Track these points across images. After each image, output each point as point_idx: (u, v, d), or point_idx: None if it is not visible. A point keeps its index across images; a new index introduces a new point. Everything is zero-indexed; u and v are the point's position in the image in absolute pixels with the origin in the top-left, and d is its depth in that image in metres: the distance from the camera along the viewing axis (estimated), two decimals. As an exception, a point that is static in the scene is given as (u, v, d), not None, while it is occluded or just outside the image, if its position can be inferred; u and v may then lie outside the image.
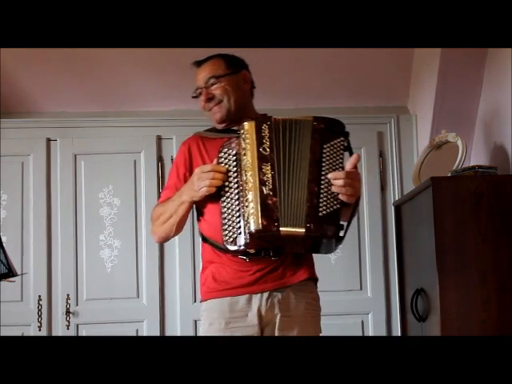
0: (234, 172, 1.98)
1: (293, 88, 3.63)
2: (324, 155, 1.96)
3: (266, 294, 2.03)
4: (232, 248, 1.95)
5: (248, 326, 2.02)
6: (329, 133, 2.00)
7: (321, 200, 1.91)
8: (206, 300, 2.11)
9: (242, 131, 2.00)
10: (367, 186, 3.62)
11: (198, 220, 2.16)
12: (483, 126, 3.23)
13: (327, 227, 1.90)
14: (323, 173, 1.94)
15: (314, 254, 2.17)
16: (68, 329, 3.45)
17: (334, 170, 1.94)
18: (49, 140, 3.58)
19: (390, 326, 3.56)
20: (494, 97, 3.10)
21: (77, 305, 3.48)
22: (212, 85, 2.13)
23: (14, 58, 3.37)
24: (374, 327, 3.55)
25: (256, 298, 2.03)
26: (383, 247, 3.60)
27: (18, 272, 2.20)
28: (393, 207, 3.53)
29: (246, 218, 1.91)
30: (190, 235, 3.44)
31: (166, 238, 2.18)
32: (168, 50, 3.21)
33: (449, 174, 2.89)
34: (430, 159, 3.25)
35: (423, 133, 3.56)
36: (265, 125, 1.99)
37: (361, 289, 3.58)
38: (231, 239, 1.94)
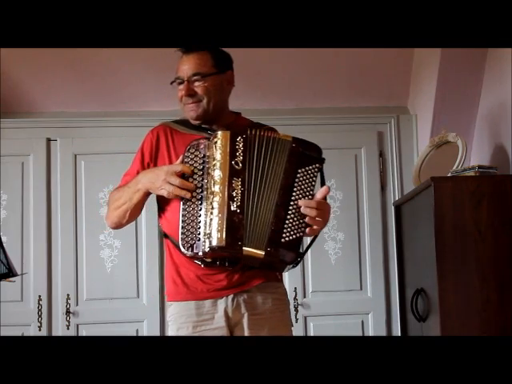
0: (200, 176, 1.93)
1: (293, 88, 3.64)
2: (297, 179, 1.93)
3: (230, 296, 2.01)
4: (188, 253, 1.91)
5: (216, 328, 2.00)
6: (305, 157, 1.96)
7: (285, 226, 1.89)
8: (171, 302, 2.09)
9: (215, 139, 1.95)
10: (367, 185, 3.62)
11: (159, 215, 2.12)
12: (483, 125, 3.23)
13: (286, 254, 1.89)
14: (293, 198, 1.91)
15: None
16: (68, 329, 3.45)
17: (304, 197, 1.92)
18: (49, 140, 3.58)
19: (390, 326, 3.57)
20: (494, 97, 3.10)
21: (77, 305, 3.49)
22: (195, 81, 2.06)
23: (14, 58, 3.37)
24: (373, 327, 3.56)
25: (221, 300, 2.01)
26: (383, 247, 3.60)
27: (18, 272, 2.20)
28: (393, 207, 3.53)
29: (208, 230, 1.87)
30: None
31: (119, 225, 2.14)
32: (168, 50, 3.20)
33: (449, 174, 2.89)
34: (430, 159, 3.25)
35: (423, 133, 3.56)
36: (240, 137, 1.94)
37: (361, 289, 3.58)
38: (188, 244, 1.90)
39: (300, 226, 1.90)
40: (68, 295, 3.47)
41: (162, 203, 2.08)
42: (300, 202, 1.89)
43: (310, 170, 1.96)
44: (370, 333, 3.55)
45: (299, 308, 3.53)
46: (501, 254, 2.60)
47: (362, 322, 3.57)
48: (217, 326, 2.00)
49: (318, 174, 1.98)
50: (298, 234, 1.90)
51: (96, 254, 3.52)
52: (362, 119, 3.69)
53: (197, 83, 2.06)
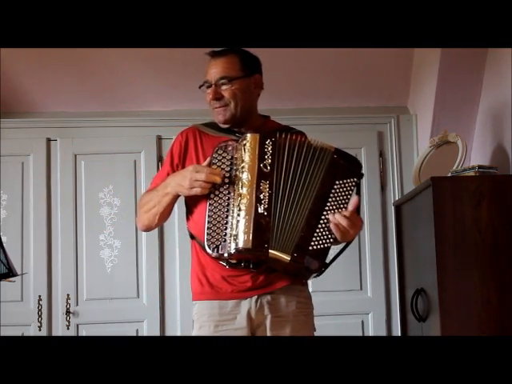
0: (227, 177, 1.94)
1: (293, 88, 3.63)
2: (333, 191, 1.94)
3: (254, 297, 2.02)
4: (213, 254, 1.92)
5: (237, 329, 2.00)
6: (345, 170, 1.97)
7: (315, 234, 1.90)
8: (196, 301, 2.10)
9: (244, 142, 1.96)
10: (367, 185, 3.62)
11: (187, 217, 2.13)
12: (483, 125, 3.23)
13: (312, 262, 1.89)
14: (326, 208, 1.92)
15: None
16: (68, 329, 3.45)
17: (337, 208, 1.92)
18: (49, 140, 3.58)
19: (390, 326, 3.57)
20: (494, 97, 3.10)
21: (77, 305, 3.49)
22: (222, 85, 2.07)
23: (14, 58, 3.36)
24: (374, 327, 3.56)
25: (245, 301, 2.02)
26: (383, 247, 3.60)
27: (18, 272, 2.20)
28: (393, 207, 3.53)
29: (235, 231, 1.88)
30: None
31: (149, 227, 2.14)
32: (168, 50, 3.21)
33: (449, 174, 2.89)
34: (430, 159, 3.25)
35: (423, 133, 3.56)
36: (269, 140, 1.95)
37: (361, 289, 3.58)
38: (214, 245, 1.91)
39: (329, 236, 1.91)
40: (68, 295, 3.47)
41: (190, 205, 2.09)
42: (330, 217, 1.89)
43: (347, 183, 1.96)
44: (370, 333, 3.55)
45: (299, 308, 3.52)
46: (501, 253, 2.60)
47: (362, 321, 3.57)
48: (238, 327, 2.01)
49: (356, 188, 1.98)
50: (325, 244, 1.91)
51: (96, 254, 3.52)
52: (361, 119, 3.69)
53: (224, 87, 2.07)
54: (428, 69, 3.38)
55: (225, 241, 1.90)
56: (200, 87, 2.14)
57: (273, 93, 3.67)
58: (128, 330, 3.45)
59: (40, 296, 3.46)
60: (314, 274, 1.94)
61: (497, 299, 2.57)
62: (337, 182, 1.95)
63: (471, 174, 2.79)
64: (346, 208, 1.93)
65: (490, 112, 3.16)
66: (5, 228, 3.45)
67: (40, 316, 3.45)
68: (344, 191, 1.95)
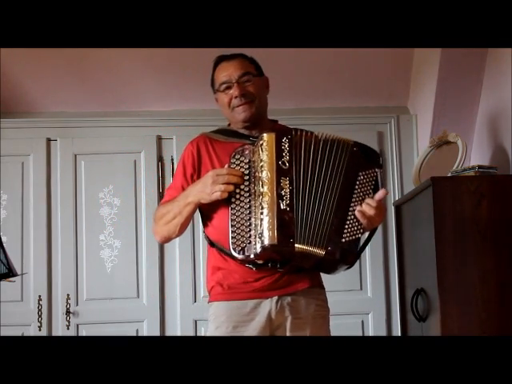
0: (246, 180, 1.93)
1: (293, 88, 3.63)
2: (358, 182, 1.96)
3: (275, 298, 2.01)
4: (240, 256, 1.91)
5: (255, 330, 1.99)
6: (366, 161, 1.99)
7: (346, 226, 1.90)
8: (213, 301, 2.08)
9: (260, 142, 1.96)
10: (367, 185, 3.62)
11: (205, 224, 2.11)
12: (483, 126, 3.23)
13: (347, 254, 1.90)
14: (353, 199, 1.93)
15: None
16: (68, 329, 3.45)
17: (363, 199, 1.93)
18: (49, 140, 3.58)
19: (390, 326, 3.57)
20: (494, 97, 3.10)
21: (77, 305, 3.49)
22: (245, 81, 2.07)
23: (14, 58, 3.37)
24: (374, 327, 3.56)
25: (265, 303, 2.01)
26: (383, 247, 3.60)
27: (18, 272, 2.20)
28: (393, 207, 3.53)
29: (259, 230, 1.87)
30: (190, 235, 3.44)
31: (169, 239, 2.14)
32: (168, 50, 3.22)
33: (449, 174, 2.89)
34: (430, 159, 3.25)
35: (423, 133, 3.56)
36: (285, 138, 1.96)
37: (361, 289, 3.59)
38: (239, 248, 1.90)
39: (359, 227, 1.92)
40: (68, 295, 3.47)
41: (209, 211, 2.06)
42: (358, 207, 1.91)
43: (370, 173, 1.98)
44: (370, 333, 3.55)
45: (299, 308, 3.53)
46: (501, 253, 2.60)
47: (362, 321, 3.57)
48: (257, 328, 1.99)
49: (377, 178, 2.00)
50: (357, 235, 1.92)
51: (96, 254, 3.52)
52: (361, 119, 3.69)
53: (247, 83, 2.08)
54: (428, 69, 3.38)
55: (250, 242, 1.89)
56: (216, 91, 2.12)
57: (272, 93, 3.66)
58: (128, 330, 3.45)
59: (40, 296, 3.46)
60: (346, 267, 1.95)
61: (497, 299, 2.57)
62: (360, 174, 1.97)
63: (471, 173, 2.78)
64: (371, 197, 1.95)
65: (490, 112, 3.16)
66: (5, 228, 3.45)
67: (40, 316, 3.45)
68: (368, 182, 1.97)
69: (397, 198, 3.56)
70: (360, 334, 3.55)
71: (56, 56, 3.39)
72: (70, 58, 3.41)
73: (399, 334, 3.45)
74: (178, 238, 3.50)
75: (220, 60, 2.13)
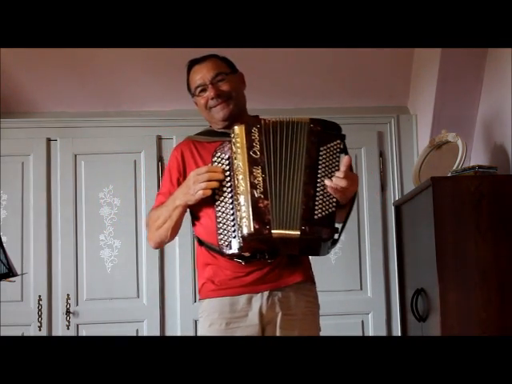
0: (228, 176, 1.96)
1: (293, 88, 3.63)
2: (320, 158, 1.95)
3: (266, 293, 2.03)
4: (228, 252, 1.95)
5: (249, 326, 2.02)
6: (326, 135, 1.99)
7: (316, 203, 1.90)
8: (204, 299, 2.10)
9: (232, 135, 1.98)
10: (367, 185, 3.62)
11: (193, 224, 2.14)
12: (483, 126, 3.23)
13: (322, 230, 1.89)
14: (319, 175, 1.93)
15: (311, 256, 2.16)
16: (68, 329, 3.45)
17: (330, 173, 1.93)
18: (49, 140, 3.58)
19: (390, 326, 3.56)
20: (494, 97, 3.10)
21: (77, 305, 3.48)
22: (219, 81, 2.10)
23: (14, 58, 3.36)
24: (374, 327, 3.55)
25: (257, 298, 2.03)
26: (383, 247, 3.60)
27: (18, 272, 2.20)
28: (393, 207, 3.53)
29: (238, 222, 1.90)
30: (190, 236, 3.44)
31: (162, 244, 2.16)
32: (168, 50, 3.21)
33: (449, 174, 2.89)
34: (429, 159, 3.25)
35: (423, 133, 3.56)
36: (254, 128, 1.97)
37: (361, 289, 3.58)
38: (226, 243, 1.94)
39: (331, 201, 1.91)
40: (68, 295, 3.47)
41: (196, 211, 2.09)
42: (326, 182, 1.89)
43: (331, 146, 1.98)
44: (370, 333, 3.55)
45: (299, 308, 3.52)
46: (501, 253, 2.60)
47: (362, 321, 3.56)
48: (250, 324, 2.02)
49: (341, 149, 1.99)
50: (330, 210, 1.91)
51: (96, 254, 3.51)
52: (361, 119, 3.69)
53: (221, 83, 2.10)
54: (428, 69, 3.38)
55: (235, 237, 1.92)
56: (193, 96, 2.16)
57: (272, 93, 3.68)
58: (128, 330, 3.45)
59: (40, 296, 3.46)
60: (329, 244, 1.94)
61: (497, 299, 2.57)
62: (321, 149, 1.96)
63: (471, 173, 2.79)
64: (338, 169, 1.93)
65: (490, 112, 3.16)
66: (5, 228, 3.45)
67: (40, 316, 3.45)
68: (331, 155, 1.96)
69: (397, 198, 3.57)
70: (360, 333, 3.55)
71: (56, 56, 3.39)
72: (70, 58, 3.41)
73: (399, 334, 3.46)
74: (177, 239, 3.50)
75: (192, 64, 2.17)
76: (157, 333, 3.47)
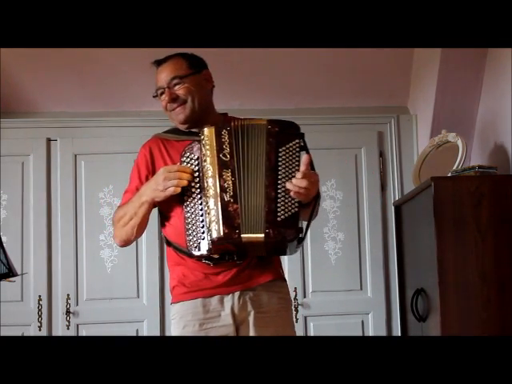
0: (197, 177, 1.96)
1: (293, 88, 3.63)
2: (280, 159, 1.95)
3: (237, 294, 2.04)
4: (196, 253, 1.95)
5: (222, 326, 2.02)
6: (284, 136, 1.98)
7: (278, 205, 1.90)
8: (177, 302, 2.09)
9: (202, 136, 1.98)
10: (367, 185, 3.62)
11: (162, 225, 2.13)
12: (483, 126, 3.23)
13: (286, 231, 1.90)
14: (280, 177, 1.93)
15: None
16: (68, 329, 3.45)
17: (290, 173, 1.93)
18: (49, 140, 3.58)
19: (390, 326, 3.56)
20: (494, 97, 3.10)
21: (77, 305, 3.49)
22: (175, 85, 2.10)
23: (14, 58, 3.36)
24: (374, 327, 3.56)
25: (228, 298, 2.03)
26: (383, 247, 3.60)
27: (18, 272, 2.20)
28: (393, 207, 3.54)
29: (208, 225, 1.90)
30: (190, 235, 3.44)
31: (128, 241, 2.14)
32: (168, 50, 3.21)
33: (449, 174, 2.89)
34: (430, 159, 3.25)
35: (423, 133, 3.56)
36: (224, 130, 1.97)
37: (361, 289, 3.58)
38: (195, 244, 1.94)
39: (293, 202, 1.92)
40: (68, 295, 3.47)
41: (165, 211, 2.09)
42: (287, 185, 1.89)
43: (290, 147, 1.97)
44: (370, 333, 3.55)
45: (299, 308, 3.53)
46: (501, 253, 2.60)
47: (362, 321, 3.57)
48: (223, 324, 2.02)
49: (301, 147, 1.99)
50: (293, 210, 1.91)
51: (96, 254, 3.52)
52: (361, 119, 3.69)
53: (177, 87, 2.10)
54: (428, 69, 3.38)
55: (203, 239, 1.92)
56: (154, 97, 2.17)
57: (272, 93, 3.68)
58: (128, 330, 3.45)
59: (40, 296, 3.46)
60: (295, 244, 1.94)
61: (497, 299, 2.57)
62: (280, 150, 1.96)
63: (471, 173, 2.79)
64: (298, 169, 1.93)
65: (490, 112, 3.16)
66: (5, 228, 3.45)
67: (40, 316, 3.45)
68: (290, 155, 1.96)
69: (397, 198, 3.57)
70: (360, 333, 3.55)
71: (56, 56, 3.39)
72: (70, 58, 3.40)
73: (399, 334, 3.46)
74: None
75: (157, 65, 2.17)
76: (157, 333, 3.47)
